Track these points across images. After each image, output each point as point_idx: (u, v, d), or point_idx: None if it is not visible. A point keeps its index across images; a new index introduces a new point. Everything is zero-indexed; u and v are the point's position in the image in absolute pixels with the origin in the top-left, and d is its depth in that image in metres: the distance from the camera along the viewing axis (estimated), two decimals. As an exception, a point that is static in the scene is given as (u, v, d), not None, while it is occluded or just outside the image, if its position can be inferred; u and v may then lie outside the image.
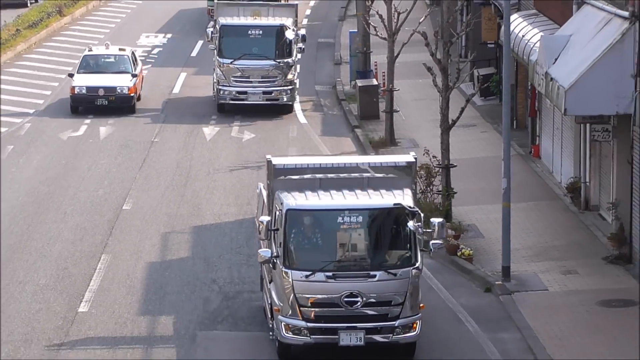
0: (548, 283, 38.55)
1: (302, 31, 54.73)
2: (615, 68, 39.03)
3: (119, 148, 55.80)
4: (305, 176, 25.61)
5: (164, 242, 43.44)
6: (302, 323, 22.45)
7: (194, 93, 63.01)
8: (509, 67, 41.37)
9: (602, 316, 35.95)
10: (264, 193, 27.17)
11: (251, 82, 50.51)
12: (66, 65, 76.94)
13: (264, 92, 50.22)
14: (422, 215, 24.79)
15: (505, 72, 40.70)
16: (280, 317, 22.97)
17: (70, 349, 34.06)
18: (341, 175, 25.62)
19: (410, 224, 23.06)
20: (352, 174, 25.81)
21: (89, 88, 42.38)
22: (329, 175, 25.37)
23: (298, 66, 56.33)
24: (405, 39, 54.62)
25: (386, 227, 23.81)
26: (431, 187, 44.49)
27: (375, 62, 61.90)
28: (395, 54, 56.03)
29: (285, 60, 50.28)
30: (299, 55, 56.85)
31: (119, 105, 42.35)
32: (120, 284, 39.18)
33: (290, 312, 22.60)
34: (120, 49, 44.40)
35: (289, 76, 50.54)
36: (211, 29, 54.21)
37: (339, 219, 23.29)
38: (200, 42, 79.43)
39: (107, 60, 44.19)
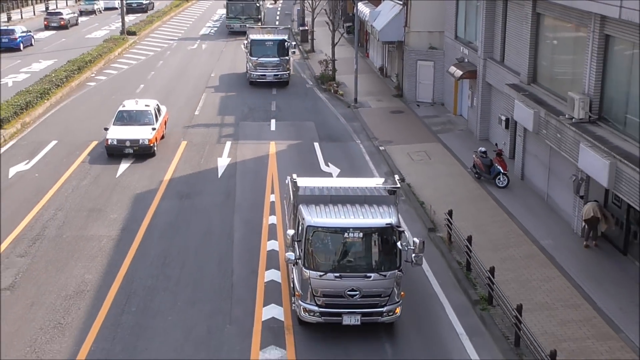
0: (371, 104, 38.81)
1: (294, 42, 47.30)
2: (397, 23, 39.22)
3: (210, 53, 54.72)
4: (320, 186, 17.83)
5: (227, 87, 42.72)
6: (316, 308, 16.47)
7: (236, 43, 60.25)
8: (357, 22, 41.26)
9: (392, 117, 36.49)
10: (290, 184, 19.18)
11: (267, 69, 42.18)
12: (185, 25, 74.83)
13: (274, 75, 42.19)
14: (406, 233, 17.74)
15: (356, 23, 40.68)
16: (300, 301, 16.81)
17: (191, 127, 34.15)
18: (346, 193, 17.79)
19: (399, 244, 16.49)
20: (354, 193, 17.79)
21: (118, 140, 28.77)
22: (337, 191, 17.69)
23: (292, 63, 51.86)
24: (318, 11, 53.74)
25: (379, 240, 16.95)
26: (327, 68, 44.17)
27: (307, 20, 60.54)
28: (313, 18, 55.16)
29: (285, 57, 42.41)
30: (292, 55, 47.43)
31: (141, 152, 28.85)
32: (210, 104, 38.94)
33: (307, 299, 16.56)
34: (146, 105, 30.83)
35: (287, 66, 42.76)
36: (245, 41, 44.92)
37: (345, 234, 16.69)
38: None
39: (135, 114, 30.03)
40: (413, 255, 16.54)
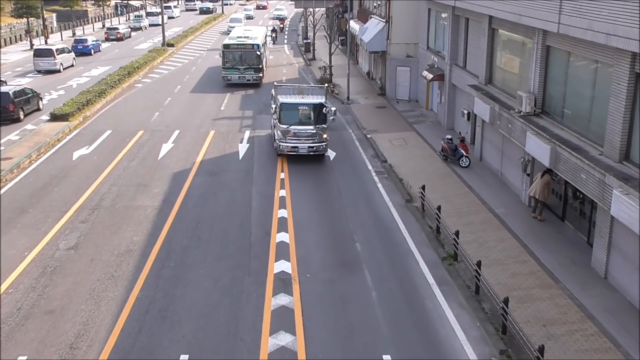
0: (360, 101, 38.29)
1: (333, 108, 26.90)
2: (381, 37, 38.70)
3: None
4: None
5: (245, 89, 42.01)
6: None
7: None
8: (349, 36, 40.67)
9: (376, 111, 36.03)
10: None
11: (300, 140, 25.90)
12: (212, 38, 73.73)
13: (309, 147, 25.84)
14: None
15: (348, 37, 40.02)
16: None
17: (218, 120, 33.65)
18: None
19: None
20: None
21: None
22: None
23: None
24: (318, 27, 53.00)
25: None
26: (326, 72, 43.63)
27: (310, 35, 59.77)
28: (315, 32, 54.39)
29: (323, 125, 26.09)
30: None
31: None
32: (232, 101, 38.09)
33: None
34: None
35: (325, 136, 26.15)
36: (273, 105, 27.62)
37: None
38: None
39: None
40: None
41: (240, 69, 41.82)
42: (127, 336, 14.31)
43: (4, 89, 32.78)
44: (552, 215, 20.36)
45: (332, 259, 18.00)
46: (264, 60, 45.28)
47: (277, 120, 26.55)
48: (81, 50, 55.25)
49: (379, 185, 24.06)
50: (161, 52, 55.46)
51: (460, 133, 28.48)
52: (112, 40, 66.49)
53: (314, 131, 26.17)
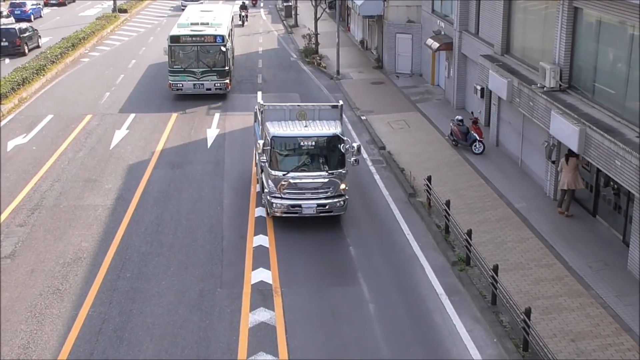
0: (353, 76, 38.33)
1: (355, 144, 20.29)
2: (377, -2, 38.59)
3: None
4: None
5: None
6: None
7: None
8: (338, -2, 40.48)
9: (372, 87, 36.13)
10: None
11: (305, 194, 19.72)
12: (173, 2, 73.50)
13: (319, 205, 19.63)
14: None
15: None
16: None
17: (183, 100, 33.38)
18: None
19: None
20: None
21: None
22: None
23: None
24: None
25: None
26: (311, 42, 43.57)
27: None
28: (298, -7, 54.45)
29: (340, 170, 19.61)
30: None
31: None
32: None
33: None
34: None
35: (342, 186, 19.76)
36: (261, 141, 19.53)
37: None
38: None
39: None
40: None
41: (195, 72, 33.00)
42: (76, 362, 14.35)
43: (10, 25, 43.89)
44: (582, 210, 20.56)
45: (321, 266, 18.06)
46: (232, 58, 36.85)
47: (265, 164, 19.96)
48: (19, 16, 55.52)
49: (376, 176, 24.12)
50: (112, 20, 55.29)
51: (472, 113, 28.65)
52: (53, 5, 66.41)
53: (327, 180, 19.73)
